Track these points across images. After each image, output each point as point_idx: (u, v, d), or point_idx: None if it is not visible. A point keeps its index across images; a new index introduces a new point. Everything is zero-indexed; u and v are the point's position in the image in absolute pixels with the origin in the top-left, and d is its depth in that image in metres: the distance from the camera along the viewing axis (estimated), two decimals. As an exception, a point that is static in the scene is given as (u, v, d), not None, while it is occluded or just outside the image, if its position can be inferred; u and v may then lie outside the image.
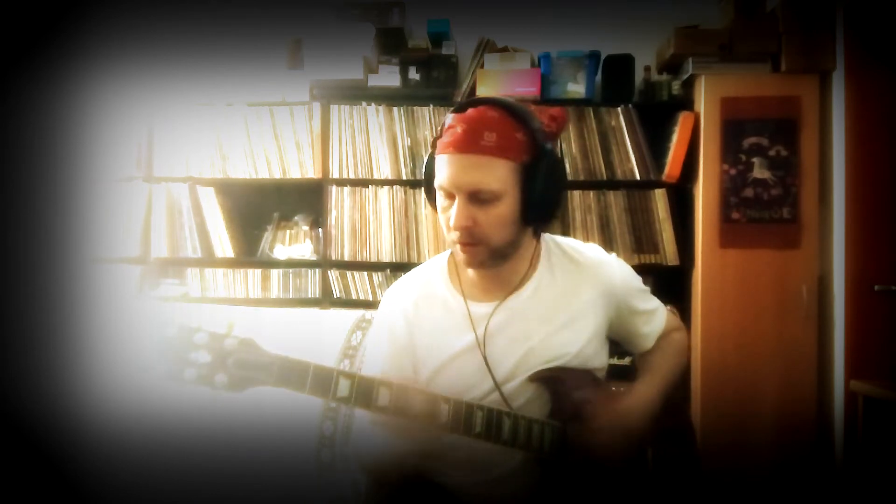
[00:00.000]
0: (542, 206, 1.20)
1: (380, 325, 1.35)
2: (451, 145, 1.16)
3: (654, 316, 1.40)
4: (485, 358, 1.24)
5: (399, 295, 1.34)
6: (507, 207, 1.18)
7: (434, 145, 1.23)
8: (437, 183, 1.20)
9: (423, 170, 1.27)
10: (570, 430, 1.23)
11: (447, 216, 1.19)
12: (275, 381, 1.03)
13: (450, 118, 1.21)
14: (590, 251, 1.36)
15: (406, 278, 1.38)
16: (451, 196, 1.18)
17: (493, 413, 1.16)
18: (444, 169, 1.18)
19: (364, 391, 1.07)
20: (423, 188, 1.29)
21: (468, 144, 1.15)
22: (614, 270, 1.34)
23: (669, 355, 1.41)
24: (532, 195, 1.18)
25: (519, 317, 1.27)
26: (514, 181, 1.17)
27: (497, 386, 1.23)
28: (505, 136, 1.15)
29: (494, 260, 1.23)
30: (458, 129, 1.16)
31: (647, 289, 1.41)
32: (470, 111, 1.19)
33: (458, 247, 1.21)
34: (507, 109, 1.18)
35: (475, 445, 1.18)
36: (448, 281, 1.32)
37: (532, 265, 1.30)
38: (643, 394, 1.31)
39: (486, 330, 1.26)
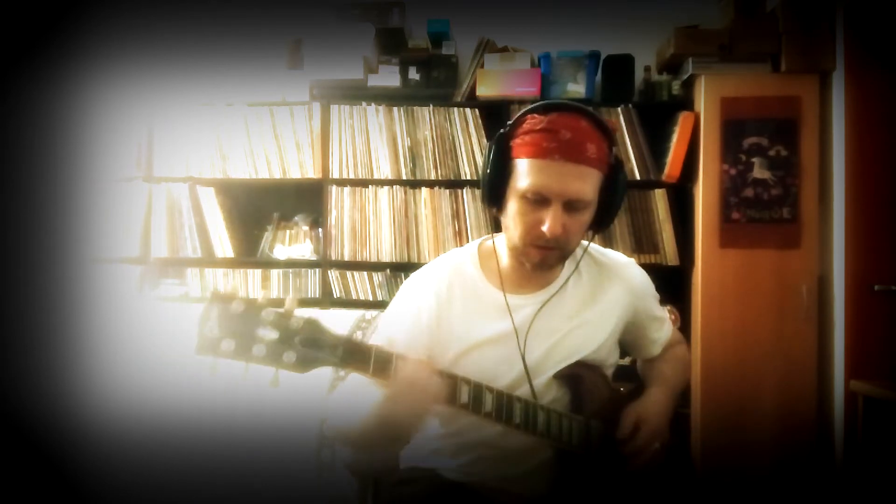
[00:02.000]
0: (610, 214, 1.26)
1: (405, 300, 1.33)
2: (557, 152, 1.15)
3: (664, 324, 1.47)
4: (522, 349, 1.26)
5: (432, 277, 1.34)
6: (588, 216, 1.23)
7: (505, 144, 1.21)
8: (528, 186, 1.18)
9: (489, 169, 1.23)
10: (593, 426, 1.26)
11: (530, 219, 1.20)
12: (339, 361, 1.03)
13: (533, 119, 1.19)
14: (612, 254, 1.43)
15: (437, 264, 1.38)
16: (541, 201, 1.18)
17: (530, 405, 1.18)
18: (544, 174, 1.17)
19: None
20: (483, 188, 1.25)
21: (576, 153, 1.16)
22: (635, 272, 1.42)
23: (676, 368, 1.46)
24: (607, 204, 1.24)
25: (547, 312, 1.30)
26: (598, 191, 1.22)
27: (529, 378, 1.25)
28: (600, 148, 1.19)
29: (560, 262, 1.30)
30: (564, 135, 1.15)
31: (658, 296, 1.48)
32: (558, 116, 1.18)
33: (530, 248, 1.23)
34: (594, 119, 1.20)
35: (503, 441, 1.22)
36: (480, 271, 1.34)
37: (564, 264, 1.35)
38: (660, 400, 1.34)
39: (530, 322, 1.28)
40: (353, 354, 1.04)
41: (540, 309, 1.29)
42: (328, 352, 1.02)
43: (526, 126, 1.20)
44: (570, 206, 1.19)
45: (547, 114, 1.19)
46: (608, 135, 1.21)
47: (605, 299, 1.35)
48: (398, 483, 1.36)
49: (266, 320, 0.98)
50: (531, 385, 1.25)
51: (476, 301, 1.30)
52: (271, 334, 0.98)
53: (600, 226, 1.28)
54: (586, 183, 1.18)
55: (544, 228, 1.18)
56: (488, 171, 1.23)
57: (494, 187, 1.24)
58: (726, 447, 2.61)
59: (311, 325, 1.02)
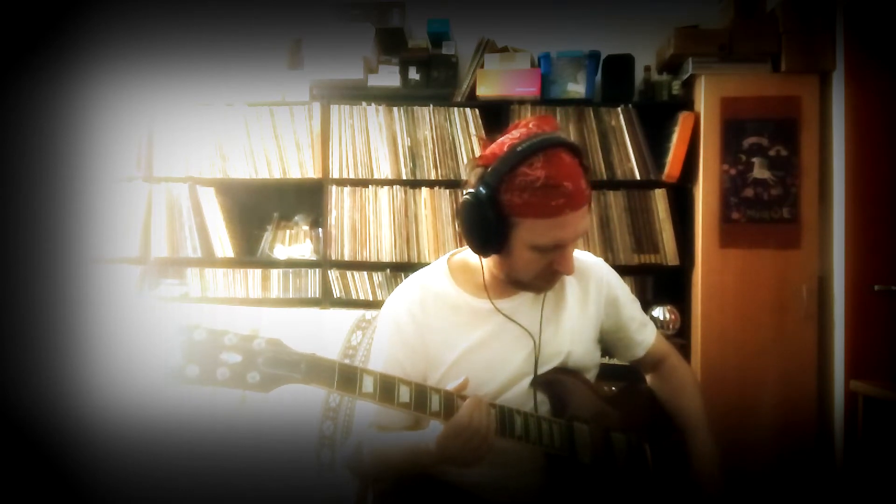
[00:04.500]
0: None
1: (386, 331, 1.34)
2: (567, 207, 1.15)
3: (645, 327, 1.48)
4: (537, 348, 1.30)
5: (403, 298, 1.35)
6: None
7: (498, 198, 1.16)
8: (545, 243, 1.18)
9: (482, 224, 1.19)
10: (577, 428, 1.27)
11: (543, 263, 1.22)
12: (303, 378, 1.04)
13: (526, 174, 1.14)
14: (581, 255, 1.44)
15: (407, 284, 1.38)
16: (557, 247, 1.20)
17: (506, 410, 1.19)
18: (561, 230, 1.17)
19: (386, 388, 1.09)
20: (474, 238, 1.23)
21: (581, 199, 1.17)
22: (603, 269, 1.44)
23: (695, 396, 1.47)
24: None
25: (527, 314, 1.32)
26: None
27: (535, 371, 1.28)
28: (588, 183, 1.21)
29: None
30: (567, 188, 1.14)
31: (637, 301, 1.49)
32: (550, 164, 1.14)
33: (539, 281, 1.27)
34: (578, 154, 1.20)
35: (495, 444, 1.22)
36: (453, 282, 1.35)
37: None
38: (709, 447, 1.40)
39: (514, 321, 1.30)
40: (316, 370, 1.05)
41: (540, 306, 1.32)
42: (291, 369, 1.03)
43: (520, 182, 1.14)
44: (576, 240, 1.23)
45: (533, 162, 1.14)
46: (583, 157, 1.21)
47: (578, 299, 1.38)
48: (394, 485, 1.36)
49: (228, 345, 1.01)
50: (535, 376, 1.28)
51: (454, 312, 1.32)
52: (234, 357, 1.00)
53: None
54: (587, 217, 1.22)
55: (559, 268, 1.22)
56: (482, 232, 1.20)
57: (490, 240, 1.21)
58: (726, 447, 2.58)
59: (274, 345, 1.04)
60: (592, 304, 1.39)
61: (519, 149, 1.16)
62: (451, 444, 1.09)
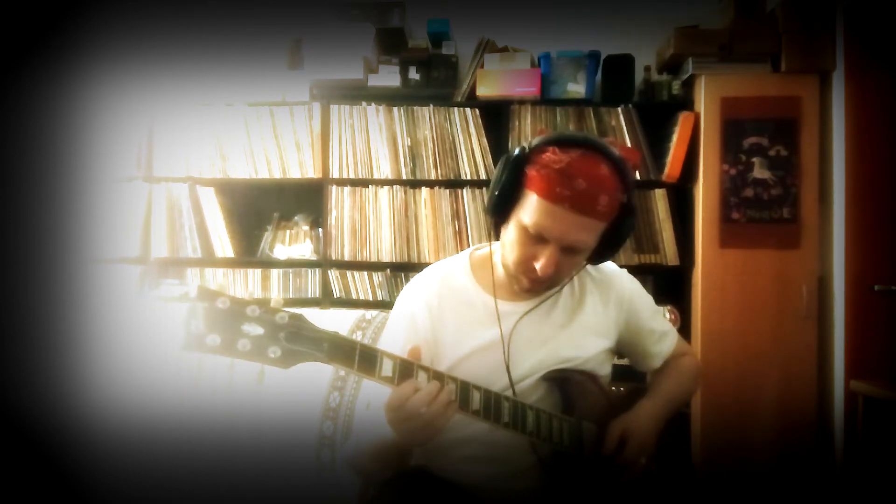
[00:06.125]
0: (612, 253, 1.26)
1: (400, 316, 1.34)
2: (567, 201, 1.13)
3: (664, 337, 1.45)
4: (506, 356, 1.26)
5: (422, 288, 1.34)
6: (585, 256, 1.24)
7: (521, 167, 1.19)
8: (531, 223, 1.17)
9: (499, 187, 1.21)
10: (586, 427, 1.26)
11: (526, 251, 1.20)
12: (324, 357, 1.02)
13: (554, 155, 1.16)
14: (605, 264, 1.41)
15: (427, 273, 1.38)
16: (540, 239, 1.18)
17: (519, 405, 1.18)
18: (549, 219, 1.16)
19: (405, 372, 1.08)
20: (490, 200, 1.24)
21: (587, 207, 1.14)
22: (625, 282, 1.41)
23: (677, 380, 1.45)
24: (610, 245, 1.24)
25: (540, 320, 1.31)
26: (600, 235, 1.22)
27: (511, 384, 1.25)
28: (613, 200, 1.17)
29: (549, 289, 1.30)
30: (579, 185, 1.13)
31: (660, 310, 1.45)
32: (579, 157, 1.15)
33: (521, 276, 1.24)
34: (615, 163, 1.17)
35: (493, 439, 1.21)
36: (472, 278, 1.34)
37: None
38: (649, 413, 1.33)
39: (512, 328, 1.29)
40: (338, 349, 1.03)
41: (526, 314, 1.30)
42: (313, 346, 1.01)
43: (545, 159, 1.17)
44: (568, 249, 1.19)
45: (569, 151, 1.16)
46: (625, 178, 1.19)
47: (597, 309, 1.36)
48: (389, 481, 1.35)
49: (251, 316, 0.98)
50: (513, 391, 1.25)
51: (468, 309, 1.31)
52: (256, 330, 0.97)
53: (601, 261, 1.29)
54: (590, 233, 1.19)
55: (537, 266, 1.19)
56: (498, 188, 1.22)
57: (501, 205, 1.23)
58: (726, 447, 2.61)
59: (297, 320, 1.01)
60: (612, 315, 1.37)
61: (568, 134, 1.20)
62: (393, 424, 1.07)
